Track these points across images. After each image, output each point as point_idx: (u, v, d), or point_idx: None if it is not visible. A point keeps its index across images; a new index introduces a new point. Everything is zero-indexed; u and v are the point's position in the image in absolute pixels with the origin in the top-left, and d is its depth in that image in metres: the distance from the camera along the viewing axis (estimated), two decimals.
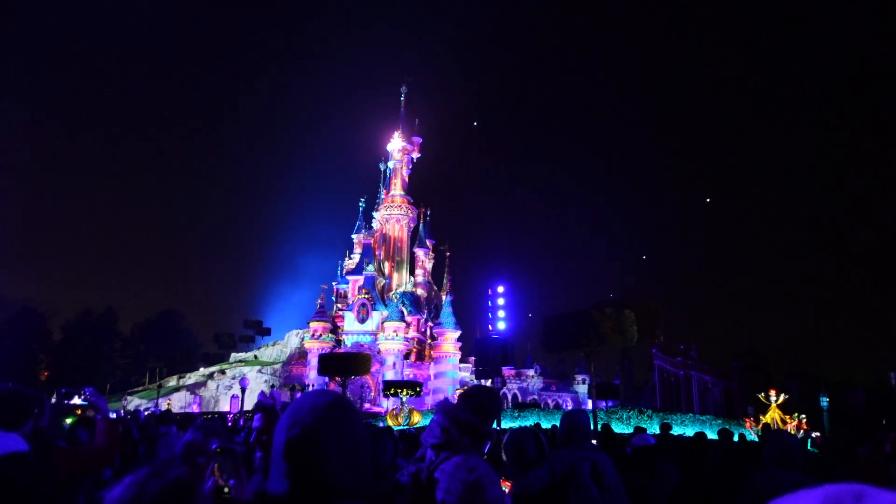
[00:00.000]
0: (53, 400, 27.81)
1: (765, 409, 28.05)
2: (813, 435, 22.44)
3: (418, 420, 28.01)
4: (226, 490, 2.11)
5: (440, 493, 2.38)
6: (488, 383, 20.82)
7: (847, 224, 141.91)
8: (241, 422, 15.43)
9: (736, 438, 12.07)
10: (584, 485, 3.97)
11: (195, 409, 52.94)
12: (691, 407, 45.50)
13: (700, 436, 10.82)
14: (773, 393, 27.89)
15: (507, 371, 56.53)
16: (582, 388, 55.37)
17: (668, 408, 43.41)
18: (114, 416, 4.88)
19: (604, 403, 25.51)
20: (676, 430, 17.45)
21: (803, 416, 26.46)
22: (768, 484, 3.34)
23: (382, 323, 46.77)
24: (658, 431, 12.90)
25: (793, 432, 22.33)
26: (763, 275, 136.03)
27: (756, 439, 18.89)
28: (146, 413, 13.48)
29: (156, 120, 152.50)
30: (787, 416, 26.26)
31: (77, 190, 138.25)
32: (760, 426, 22.74)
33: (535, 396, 54.64)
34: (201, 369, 64.66)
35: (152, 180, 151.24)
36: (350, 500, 1.42)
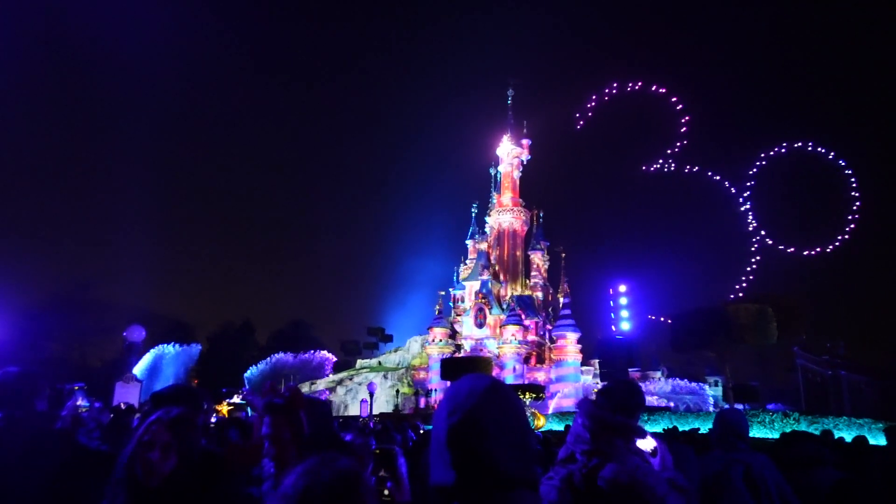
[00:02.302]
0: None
1: None
2: None
3: (542, 424, 27.67)
4: (385, 492, 2.19)
5: (598, 499, 2.28)
6: None
7: None
8: (371, 425, 16.08)
9: None
10: (735, 489, 3.77)
11: None
12: (842, 409, 41.47)
13: (861, 439, 9.82)
14: None
15: (633, 373, 54.48)
16: (715, 391, 52.24)
17: (815, 410, 39.94)
18: None
19: (741, 406, 23.93)
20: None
21: None
22: None
23: (500, 327, 46.77)
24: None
25: None
26: None
27: None
28: None
29: (284, 148, 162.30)
30: None
31: (220, 219, 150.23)
32: None
33: (665, 399, 52.24)
34: (330, 376, 67.82)
35: (280, 205, 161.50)
36: (519, 489, 1.37)
